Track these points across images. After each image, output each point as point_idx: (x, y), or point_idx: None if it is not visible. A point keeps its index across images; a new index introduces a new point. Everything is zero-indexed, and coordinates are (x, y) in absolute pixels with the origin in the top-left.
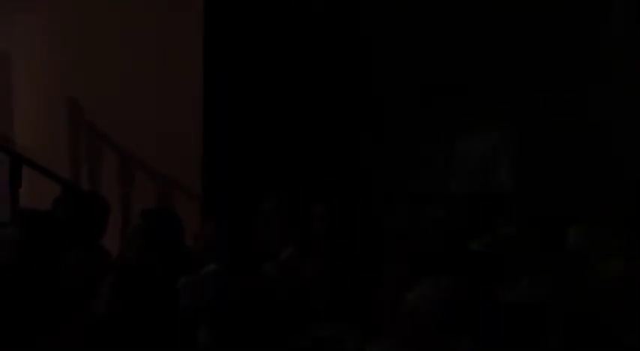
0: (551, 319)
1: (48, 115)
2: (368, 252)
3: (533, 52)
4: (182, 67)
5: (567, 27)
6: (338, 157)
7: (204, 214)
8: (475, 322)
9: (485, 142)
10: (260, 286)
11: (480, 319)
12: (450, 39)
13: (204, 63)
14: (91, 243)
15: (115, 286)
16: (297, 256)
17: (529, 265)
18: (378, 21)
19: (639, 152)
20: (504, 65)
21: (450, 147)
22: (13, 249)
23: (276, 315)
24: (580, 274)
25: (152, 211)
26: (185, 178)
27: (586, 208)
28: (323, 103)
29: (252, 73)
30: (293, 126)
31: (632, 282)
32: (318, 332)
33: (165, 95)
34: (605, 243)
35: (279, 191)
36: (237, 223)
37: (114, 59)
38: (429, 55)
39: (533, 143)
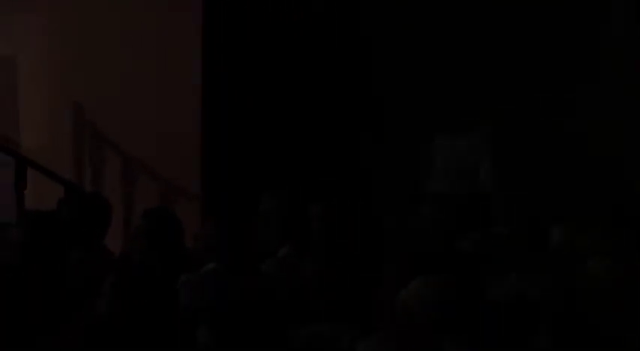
0: (539, 317)
1: (52, 117)
2: (366, 252)
3: (533, 52)
4: (182, 67)
5: (567, 27)
6: (337, 157)
7: (204, 214)
8: (464, 321)
9: (478, 142)
10: (260, 286)
11: (469, 318)
12: (450, 39)
13: (204, 63)
14: (94, 243)
15: (115, 285)
16: (295, 254)
17: (517, 263)
18: (378, 21)
19: (633, 153)
20: (504, 65)
21: (446, 146)
22: (19, 250)
23: (276, 315)
24: (567, 273)
25: (153, 211)
26: (185, 178)
27: (573, 207)
28: (322, 104)
29: (252, 74)
30: (292, 126)
31: (618, 280)
32: (316, 332)
33: (165, 95)
34: (591, 241)
35: (278, 191)
36: (237, 223)
37: (114, 59)
38: (428, 55)
39: (531, 143)
